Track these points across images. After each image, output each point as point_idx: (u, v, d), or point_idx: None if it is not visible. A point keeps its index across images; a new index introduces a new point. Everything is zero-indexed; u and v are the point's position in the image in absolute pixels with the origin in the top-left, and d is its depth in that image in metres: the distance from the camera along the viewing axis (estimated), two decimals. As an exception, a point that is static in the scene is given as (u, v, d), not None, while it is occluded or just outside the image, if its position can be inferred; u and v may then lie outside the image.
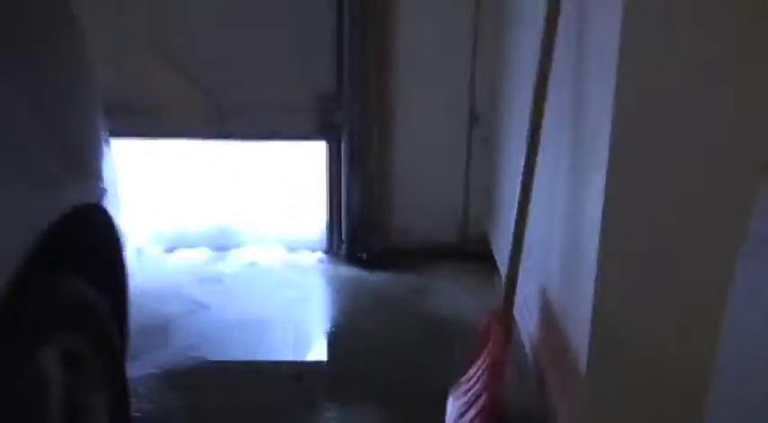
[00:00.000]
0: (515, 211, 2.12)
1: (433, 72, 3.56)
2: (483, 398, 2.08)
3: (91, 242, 1.61)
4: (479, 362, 2.28)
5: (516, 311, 2.38)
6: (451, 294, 3.37)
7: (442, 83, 3.58)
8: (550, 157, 2.15)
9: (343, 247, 3.77)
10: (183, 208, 3.96)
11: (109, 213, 1.61)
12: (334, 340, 2.99)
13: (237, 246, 3.87)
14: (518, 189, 2.14)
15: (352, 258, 3.73)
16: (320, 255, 3.84)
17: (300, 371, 2.72)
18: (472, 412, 2.09)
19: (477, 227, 3.78)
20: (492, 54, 3.50)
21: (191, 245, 3.87)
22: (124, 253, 1.73)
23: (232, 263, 3.73)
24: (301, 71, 3.55)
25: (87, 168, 1.58)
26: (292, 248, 3.87)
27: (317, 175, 3.82)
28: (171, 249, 3.85)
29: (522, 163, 2.08)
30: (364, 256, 3.68)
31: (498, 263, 3.30)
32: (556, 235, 2.15)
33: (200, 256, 3.81)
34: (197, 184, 3.96)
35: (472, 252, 3.73)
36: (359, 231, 3.72)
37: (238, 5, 3.46)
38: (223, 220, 3.93)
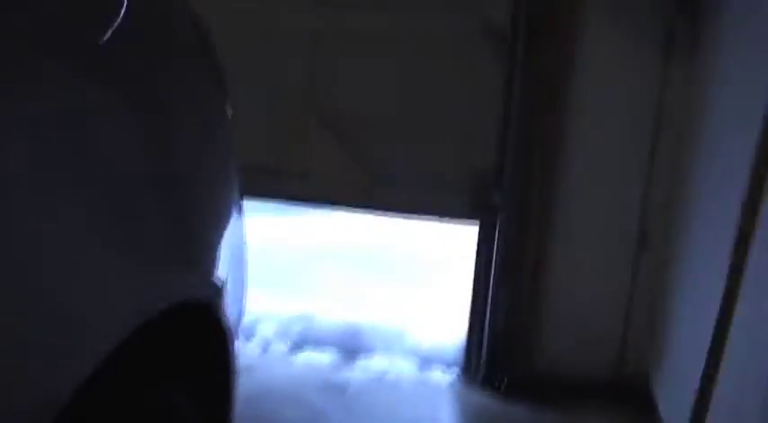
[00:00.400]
0: (704, 361, 1.72)
1: (601, 183, 3.22)
2: None
3: (193, 348, 1.37)
4: None
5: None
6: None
7: (611, 198, 3.23)
8: (752, 295, 1.76)
9: (482, 368, 3.41)
10: (316, 298, 3.77)
11: (219, 313, 1.36)
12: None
13: (367, 351, 3.60)
14: (710, 333, 1.74)
15: (489, 383, 3.36)
16: (454, 374, 3.49)
17: None
18: None
19: (637, 365, 3.32)
20: (669, 170, 3.12)
21: (319, 344, 3.64)
22: (232, 360, 1.48)
23: (359, 371, 3.46)
24: (462, 152, 3.33)
25: (198, 258, 1.35)
26: (426, 362, 3.56)
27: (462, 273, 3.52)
28: (298, 347, 3.63)
29: (718, 306, 1.69)
30: (502, 385, 3.30)
31: (662, 411, 2.83)
32: (755, 393, 1.72)
33: (326, 359, 3.57)
34: (334, 273, 3.76)
35: (627, 392, 3.27)
36: (500, 351, 3.35)
37: (406, 74, 3.31)
38: (355, 318, 3.69)
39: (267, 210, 4.58)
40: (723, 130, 2.42)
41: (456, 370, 3.52)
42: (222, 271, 1.45)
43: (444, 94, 3.29)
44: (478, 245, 3.42)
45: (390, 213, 3.50)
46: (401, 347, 3.62)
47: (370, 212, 3.50)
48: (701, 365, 1.83)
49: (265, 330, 3.71)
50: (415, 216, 3.54)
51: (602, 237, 3.30)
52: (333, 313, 3.73)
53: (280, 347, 3.67)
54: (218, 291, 1.40)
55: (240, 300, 1.74)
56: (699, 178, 2.77)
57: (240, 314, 1.74)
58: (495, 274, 3.36)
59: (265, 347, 3.66)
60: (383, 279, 3.91)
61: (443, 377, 3.48)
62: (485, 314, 3.47)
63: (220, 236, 1.49)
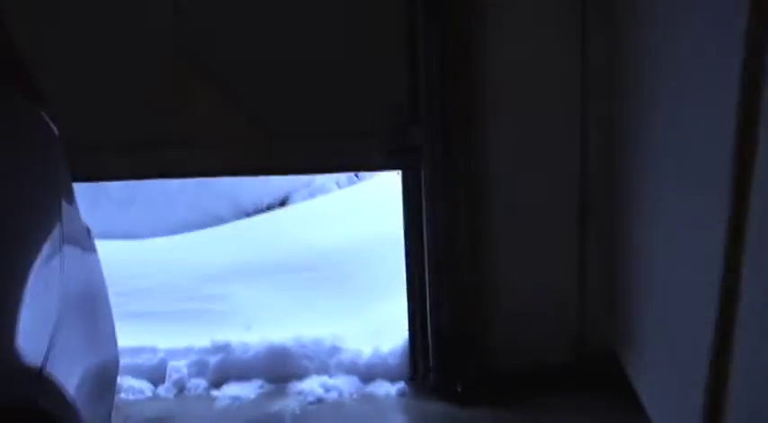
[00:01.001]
0: (708, 351, 1.37)
1: (532, 145, 2.89)
2: None
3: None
4: None
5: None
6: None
7: (544, 161, 2.91)
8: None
9: (431, 374, 3.03)
10: (230, 323, 3.31)
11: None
12: None
13: (299, 375, 3.17)
14: (703, 312, 1.40)
15: (442, 390, 2.98)
16: (402, 385, 3.11)
17: None
18: None
19: (600, 344, 3.02)
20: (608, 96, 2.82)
21: (242, 375, 3.19)
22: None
23: (293, 399, 3.04)
24: (370, 91, 2.85)
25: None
26: (367, 377, 3.16)
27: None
28: (218, 383, 3.17)
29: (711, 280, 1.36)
30: (459, 387, 2.93)
31: (643, 397, 2.51)
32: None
33: (253, 391, 3.13)
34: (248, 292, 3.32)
35: (595, 376, 2.95)
36: (449, 352, 2.99)
37: (296, 7, 2.78)
38: (279, 339, 3.25)
39: (157, 230, 4.11)
40: (657, 81, 2.11)
41: (402, 380, 3.14)
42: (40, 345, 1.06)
43: (343, 29, 2.80)
44: (404, 204, 3.02)
45: (295, 173, 3.02)
46: (337, 365, 3.21)
47: (271, 174, 2.98)
48: (699, 352, 1.49)
49: (177, 369, 3.24)
50: (325, 172, 3.07)
51: (541, 207, 2.97)
52: (252, 338, 3.27)
53: (197, 385, 3.21)
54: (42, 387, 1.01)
55: (100, 354, 1.38)
56: (640, 133, 2.46)
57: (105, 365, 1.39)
58: (429, 252, 2.98)
59: (181, 388, 3.20)
60: (303, 291, 3.51)
61: (390, 390, 3.10)
62: (424, 311, 3.10)
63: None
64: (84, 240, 1.60)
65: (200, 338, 3.34)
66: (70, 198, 1.60)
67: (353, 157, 2.95)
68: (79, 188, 4.40)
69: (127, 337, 3.51)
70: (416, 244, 3.09)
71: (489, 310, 3.08)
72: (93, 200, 4.15)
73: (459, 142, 2.85)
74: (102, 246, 4.08)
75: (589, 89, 2.84)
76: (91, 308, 1.55)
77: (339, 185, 4.81)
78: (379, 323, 3.34)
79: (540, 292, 3.05)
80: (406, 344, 3.17)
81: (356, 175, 5.02)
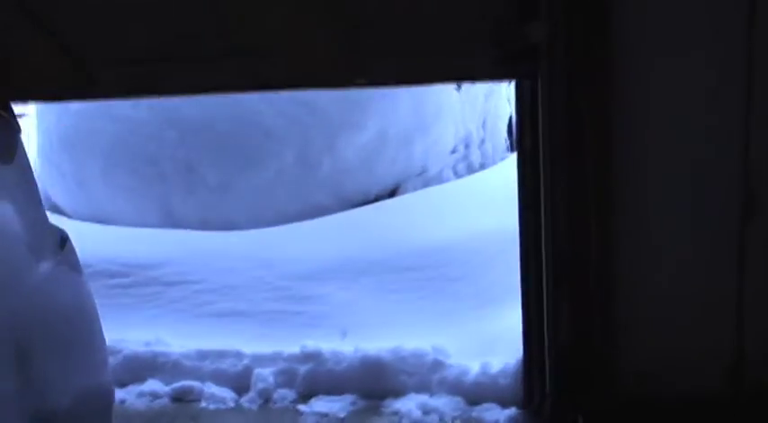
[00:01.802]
0: None
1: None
2: None
3: None
4: None
5: None
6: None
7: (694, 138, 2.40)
8: None
9: (548, 401, 2.59)
10: (321, 329, 3.01)
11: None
12: None
13: (395, 392, 2.83)
14: None
15: (560, 421, 2.54)
16: (513, 412, 2.69)
17: None
18: None
19: (760, 371, 2.48)
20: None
21: (333, 388, 2.91)
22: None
23: (387, 420, 2.69)
24: None
25: None
26: (473, 399, 2.77)
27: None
28: (307, 396, 2.91)
29: None
30: (580, 419, 2.47)
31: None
32: None
33: (344, 407, 2.82)
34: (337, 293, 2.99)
35: (754, 411, 2.43)
36: (570, 375, 2.54)
37: None
38: (374, 350, 2.92)
39: (256, 221, 3.85)
40: None
41: (514, 406, 2.72)
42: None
43: None
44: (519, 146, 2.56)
45: (387, 84, 2.55)
46: (439, 382, 2.84)
47: (353, 88, 2.54)
48: None
49: (263, 377, 2.97)
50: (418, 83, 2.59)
51: (691, 197, 2.46)
52: (346, 347, 2.95)
53: (284, 397, 2.93)
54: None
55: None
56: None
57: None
58: (546, 243, 2.53)
59: (266, 399, 2.94)
60: (406, 294, 3.16)
61: (499, 416, 2.70)
62: (542, 324, 2.66)
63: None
64: (54, 252, 1.28)
65: (290, 344, 3.07)
66: (32, 203, 1.30)
67: (458, 65, 2.44)
68: (175, 175, 4.16)
69: (211, 338, 3.30)
70: (532, 232, 2.65)
71: (621, 326, 2.58)
72: (188, 186, 3.94)
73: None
74: (195, 237, 3.90)
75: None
76: (68, 334, 1.23)
77: (457, 174, 4.40)
78: (491, 336, 2.96)
79: (687, 304, 2.54)
80: (520, 363, 2.75)
81: (479, 165, 4.61)
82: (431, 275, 3.33)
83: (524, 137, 2.63)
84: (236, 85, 2.62)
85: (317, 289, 3.33)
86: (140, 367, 3.17)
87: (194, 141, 3.88)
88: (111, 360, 3.25)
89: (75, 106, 4.19)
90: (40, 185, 4.83)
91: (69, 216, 4.45)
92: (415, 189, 4.13)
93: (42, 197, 4.97)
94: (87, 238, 3.98)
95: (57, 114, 4.31)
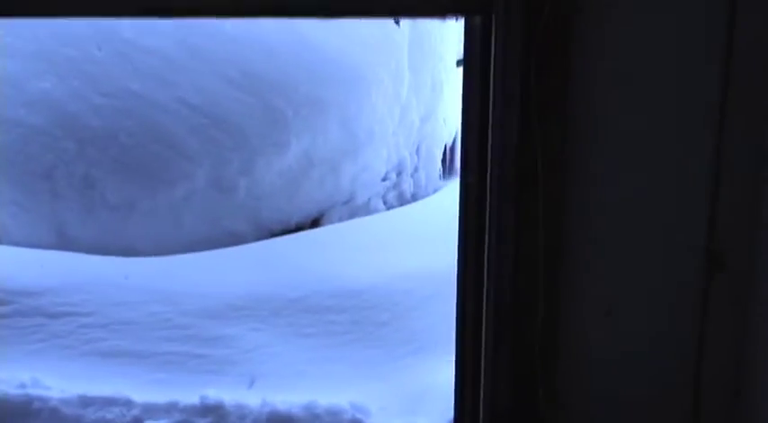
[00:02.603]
0: None
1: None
2: None
3: None
4: None
5: None
6: None
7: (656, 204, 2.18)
8: None
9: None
10: (225, 376, 2.67)
11: None
12: None
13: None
14: None
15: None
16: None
17: None
18: None
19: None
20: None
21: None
22: None
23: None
24: None
25: None
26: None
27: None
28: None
29: None
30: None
31: None
32: None
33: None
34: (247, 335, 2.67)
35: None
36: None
37: None
38: (286, 402, 2.60)
39: (161, 247, 3.48)
40: None
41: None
42: None
43: None
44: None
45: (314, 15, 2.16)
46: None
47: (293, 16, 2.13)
48: None
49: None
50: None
51: (648, 245, 2.23)
52: (252, 399, 2.61)
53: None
54: None
55: None
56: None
57: None
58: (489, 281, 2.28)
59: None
60: (324, 339, 2.87)
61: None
62: (478, 378, 2.40)
63: None
64: None
65: (189, 393, 2.73)
66: None
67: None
68: (71, 190, 3.73)
69: (96, 382, 2.92)
70: (472, 276, 2.38)
71: (566, 390, 2.33)
72: (85, 204, 3.55)
73: None
74: (89, 262, 3.51)
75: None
76: None
77: (387, 204, 4.12)
78: (418, 392, 2.66)
79: (644, 363, 2.30)
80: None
81: (411, 195, 4.34)
82: (354, 318, 3.02)
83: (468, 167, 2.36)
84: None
85: (224, 329, 2.98)
86: (11, 413, 2.77)
87: (95, 154, 3.50)
88: (-24, 403, 2.85)
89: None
90: None
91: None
92: (341, 219, 3.82)
93: None
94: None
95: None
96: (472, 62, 2.25)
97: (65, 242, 3.63)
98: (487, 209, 2.31)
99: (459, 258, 2.44)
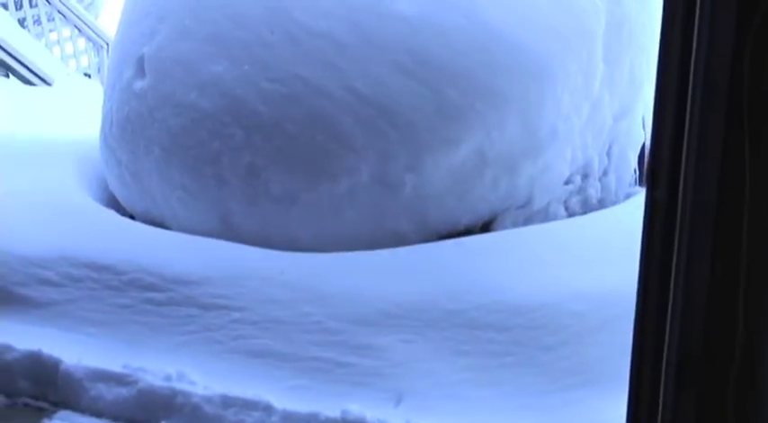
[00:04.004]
0: None
1: None
2: None
3: None
4: None
5: None
6: None
7: None
8: None
9: None
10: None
11: None
12: None
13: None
14: None
15: None
16: None
17: None
18: None
19: None
20: None
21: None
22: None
23: None
24: None
25: None
26: None
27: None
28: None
29: None
30: None
31: None
32: None
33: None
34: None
35: None
36: None
37: None
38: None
39: (320, 242, 3.34)
40: None
41: None
42: None
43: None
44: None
45: None
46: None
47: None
48: None
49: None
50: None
51: None
52: (395, 420, 2.42)
53: None
54: None
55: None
56: None
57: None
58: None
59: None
60: (482, 358, 2.61)
61: None
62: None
63: None
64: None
65: (330, 405, 2.58)
66: None
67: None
68: (236, 179, 3.68)
69: (239, 382, 2.83)
70: (654, 303, 2.04)
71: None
72: (250, 193, 3.50)
73: None
74: (249, 254, 3.45)
75: None
76: None
77: (568, 210, 3.77)
78: (584, 431, 2.33)
79: None
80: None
81: (597, 202, 3.96)
82: (517, 339, 2.75)
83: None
84: None
85: (375, 338, 2.81)
86: (154, 406, 2.76)
87: (260, 142, 3.44)
88: (124, 391, 2.86)
89: (138, 87, 3.84)
90: (100, 170, 4.49)
91: (123, 208, 4.12)
92: (515, 224, 3.53)
93: (101, 184, 4.64)
94: (129, 240, 3.61)
95: (118, 97, 3.96)
96: (670, 43, 1.93)
97: (228, 231, 3.61)
98: (677, 230, 1.98)
99: (640, 286, 2.12)
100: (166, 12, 3.87)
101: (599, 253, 3.16)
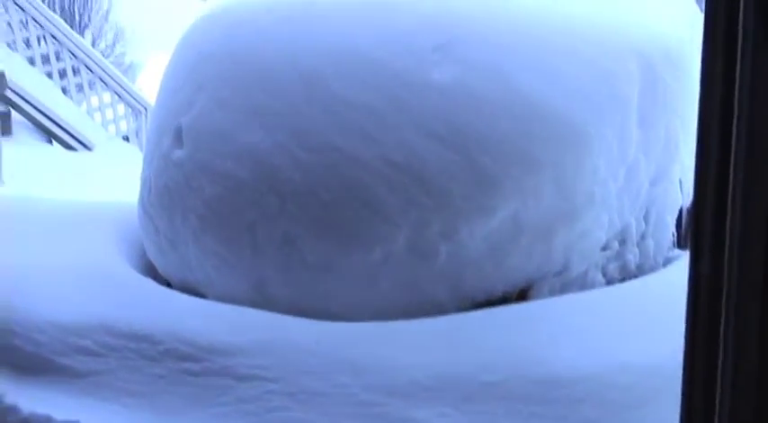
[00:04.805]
0: None
1: None
2: None
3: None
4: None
5: None
6: None
7: None
8: None
9: None
10: None
11: None
12: None
13: None
14: None
15: None
16: None
17: None
18: None
19: None
20: None
21: None
22: None
23: None
24: None
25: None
26: None
27: None
28: None
29: None
30: None
31: None
32: None
33: None
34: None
35: None
36: None
37: None
38: None
39: (355, 310, 3.29)
40: None
41: None
42: None
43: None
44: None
45: None
46: None
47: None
48: None
49: None
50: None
51: None
52: None
53: None
54: None
55: None
56: None
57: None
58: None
59: None
60: None
61: None
62: None
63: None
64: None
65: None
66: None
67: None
68: (271, 246, 3.67)
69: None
70: (701, 379, 1.96)
71: None
72: (284, 261, 3.48)
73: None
74: (284, 322, 3.41)
75: None
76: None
77: (606, 276, 3.69)
78: None
79: None
80: None
81: (636, 267, 3.87)
82: (559, 413, 2.66)
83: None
84: None
85: (411, 411, 2.74)
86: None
87: (295, 211, 3.43)
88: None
89: (176, 156, 3.87)
90: (138, 237, 4.51)
91: (160, 275, 4.12)
92: (552, 291, 3.46)
93: (139, 250, 4.65)
94: (166, 308, 3.59)
95: (157, 165, 4.00)
96: (711, 90, 1.88)
97: (263, 299, 3.58)
98: (723, 303, 1.91)
99: (686, 359, 2.04)
100: (204, 82, 3.92)
101: (642, 323, 3.07)
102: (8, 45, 14.40)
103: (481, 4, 3.60)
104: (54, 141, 14.20)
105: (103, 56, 19.65)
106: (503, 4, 3.61)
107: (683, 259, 4.10)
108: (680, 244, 4.78)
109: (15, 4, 14.43)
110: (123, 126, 15.82)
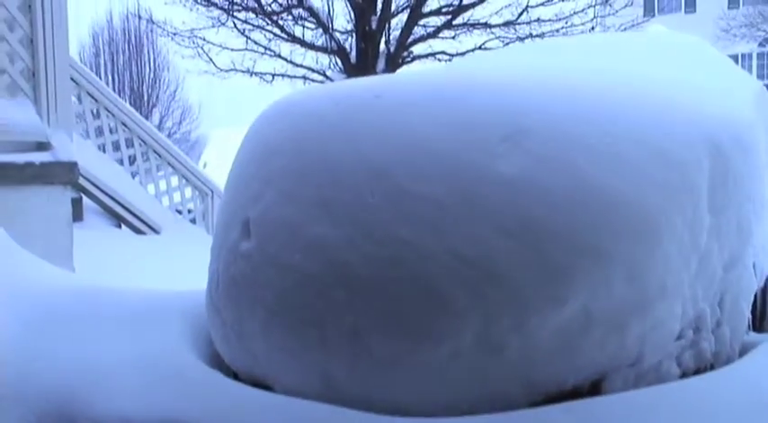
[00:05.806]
0: None
1: None
2: None
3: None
4: None
5: None
6: None
7: None
8: None
9: None
10: None
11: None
12: None
13: None
14: None
15: None
16: None
17: None
18: None
19: None
20: None
21: None
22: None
23: None
24: None
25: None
26: None
27: None
28: None
29: None
30: None
31: None
32: None
33: None
34: None
35: None
36: None
37: None
38: None
39: (428, 406, 3.20)
40: None
41: None
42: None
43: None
44: None
45: None
46: None
47: None
48: None
49: None
50: None
51: None
52: None
53: None
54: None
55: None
56: None
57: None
58: None
59: None
60: None
61: None
62: None
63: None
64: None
65: None
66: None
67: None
68: (339, 340, 3.63)
69: None
70: None
71: None
72: (352, 355, 3.44)
73: None
74: (349, 417, 3.35)
75: None
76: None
77: (681, 366, 3.54)
78: None
79: None
80: None
81: (711, 355, 3.72)
82: None
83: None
84: None
85: None
86: None
87: (362, 305, 3.39)
88: None
89: (244, 249, 3.88)
90: (205, 326, 4.51)
91: (228, 367, 4.10)
92: (625, 382, 3.33)
93: (207, 340, 4.65)
94: (231, 401, 3.56)
95: (225, 258, 4.02)
96: None
97: (330, 392, 3.53)
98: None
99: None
100: (271, 175, 3.95)
101: (724, 418, 2.93)
102: (81, 134, 14.93)
103: (549, 93, 3.57)
104: (123, 225, 14.54)
105: (171, 133, 20.23)
106: (570, 92, 3.58)
107: (762, 346, 3.94)
108: (755, 327, 4.61)
109: (89, 94, 15.01)
110: (191, 207, 16.16)
